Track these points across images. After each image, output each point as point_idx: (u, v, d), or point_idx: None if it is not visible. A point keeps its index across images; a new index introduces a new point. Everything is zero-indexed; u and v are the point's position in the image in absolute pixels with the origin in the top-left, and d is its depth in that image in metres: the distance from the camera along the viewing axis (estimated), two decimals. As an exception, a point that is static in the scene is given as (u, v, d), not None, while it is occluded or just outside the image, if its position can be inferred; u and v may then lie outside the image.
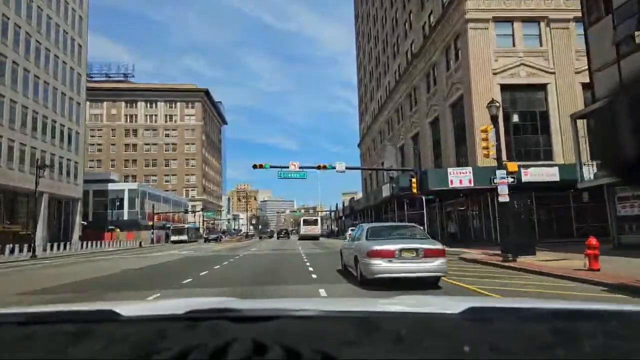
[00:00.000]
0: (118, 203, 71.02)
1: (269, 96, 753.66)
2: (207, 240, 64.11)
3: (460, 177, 23.17)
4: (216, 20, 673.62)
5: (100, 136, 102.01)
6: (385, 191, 31.64)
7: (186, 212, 70.83)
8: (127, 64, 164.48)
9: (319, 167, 23.84)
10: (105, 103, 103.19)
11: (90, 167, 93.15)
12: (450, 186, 23.41)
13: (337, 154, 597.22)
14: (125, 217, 69.43)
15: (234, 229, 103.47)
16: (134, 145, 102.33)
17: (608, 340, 0.71)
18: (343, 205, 73.57)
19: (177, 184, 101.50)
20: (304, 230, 54.10)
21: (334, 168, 24.23)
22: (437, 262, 9.00)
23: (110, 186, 71.27)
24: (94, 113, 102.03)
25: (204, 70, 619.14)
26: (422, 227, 12.88)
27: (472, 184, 23.04)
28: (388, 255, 8.94)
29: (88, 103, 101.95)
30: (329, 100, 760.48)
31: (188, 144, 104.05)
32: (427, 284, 9.16)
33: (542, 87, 27.47)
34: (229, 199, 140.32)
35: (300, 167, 24.17)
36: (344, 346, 0.67)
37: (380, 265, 8.94)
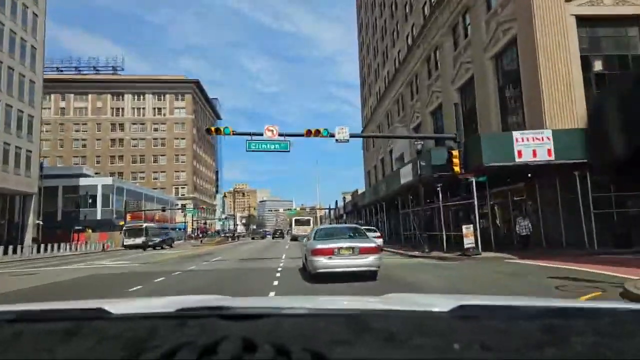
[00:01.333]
0: (90, 200, 62.76)
1: (267, 97, 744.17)
2: (150, 246, 41.62)
3: (533, 147, 14.36)
4: (214, 22, 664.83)
5: (85, 131, 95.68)
6: (406, 175, 22.11)
7: (163, 210, 62.07)
8: (117, 57, 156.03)
9: (308, 133, 15.28)
10: (90, 96, 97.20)
11: (75, 164, 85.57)
12: (517, 160, 14.55)
13: (339, 153, 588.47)
14: (99, 216, 61.27)
15: (228, 229, 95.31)
16: (121, 140, 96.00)
17: (600, 338, 0.69)
18: (344, 201, 64.46)
19: (166, 181, 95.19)
20: (296, 230, 51.55)
21: (333, 136, 15.78)
22: (370, 258, 10.11)
23: (82, 181, 62.91)
24: (79, 106, 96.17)
25: (203, 72, 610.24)
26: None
27: (553, 157, 14.36)
28: (328, 253, 10.02)
29: (72, 96, 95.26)
30: (327, 99, 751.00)
31: (177, 138, 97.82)
32: (366, 277, 10.13)
33: (636, 20, 18.90)
34: (223, 198, 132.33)
35: (280, 135, 15.62)
36: (334, 344, 0.65)
37: (322, 262, 10.00)
